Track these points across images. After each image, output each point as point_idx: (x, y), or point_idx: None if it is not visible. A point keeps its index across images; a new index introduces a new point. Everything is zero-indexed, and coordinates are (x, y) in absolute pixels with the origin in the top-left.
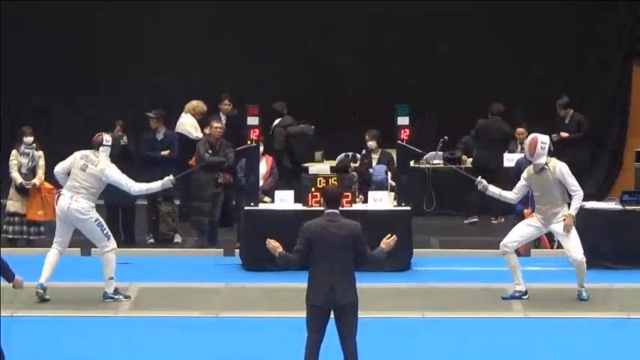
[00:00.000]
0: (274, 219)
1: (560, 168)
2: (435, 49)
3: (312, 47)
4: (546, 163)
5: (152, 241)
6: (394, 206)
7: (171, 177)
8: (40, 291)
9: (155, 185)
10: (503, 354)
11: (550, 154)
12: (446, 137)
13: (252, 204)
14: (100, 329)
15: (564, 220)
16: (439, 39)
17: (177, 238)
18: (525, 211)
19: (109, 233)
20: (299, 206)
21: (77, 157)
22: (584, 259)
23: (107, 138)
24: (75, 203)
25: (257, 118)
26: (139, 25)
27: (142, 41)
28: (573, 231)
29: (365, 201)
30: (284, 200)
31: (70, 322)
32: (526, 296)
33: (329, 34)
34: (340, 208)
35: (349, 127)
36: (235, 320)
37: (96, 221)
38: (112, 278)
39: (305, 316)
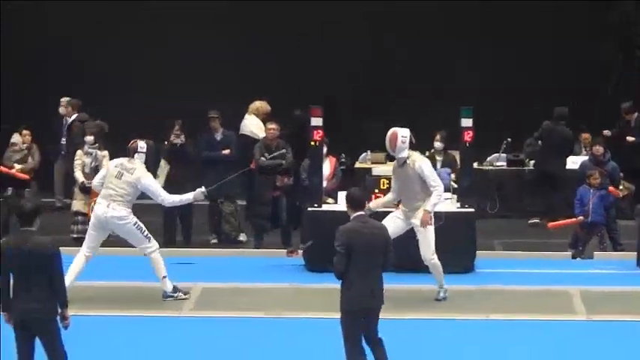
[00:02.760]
0: (337, 220)
1: (419, 164)
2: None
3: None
4: (408, 157)
5: (215, 241)
6: (457, 208)
7: (203, 189)
8: None
9: (187, 197)
10: (566, 356)
11: (613, 158)
12: (509, 139)
13: (315, 205)
14: (162, 329)
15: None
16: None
17: (242, 237)
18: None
19: (149, 234)
20: None
21: (112, 166)
22: (433, 259)
23: (142, 145)
24: (112, 211)
25: (320, 119)
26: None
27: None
28: (429, 229)
29: None
30: None
31: (133, 322)
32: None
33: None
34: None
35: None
36: (298, 321)
37: (135, 224)
38: (165, 277)
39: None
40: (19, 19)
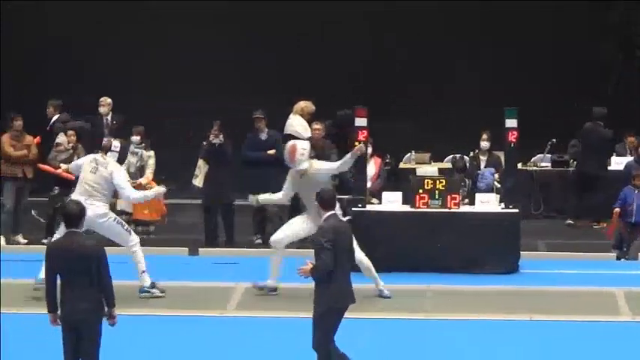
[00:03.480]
0: (381, 220)
1: (317, 167)
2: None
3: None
4: (309, 168)
5: (259, 241)
6: (501, 209)
7: (163, 187)
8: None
9: (150, 193)
10: (611, 357)
11: None
12: (554, 140)
13: (359, 205)
14: (205, 329)
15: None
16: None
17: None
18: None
19: (129, 228)
20: (407, 208)
21: (86, 161)
22: (364, 257)
23: (116, 144)
24: (92, 208)
25: (365, 119)
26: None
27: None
28: None
29: (472, 203)
30: (392, 201)
31: (176, 322)
32: (275, 292)
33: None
34: (447, 210)
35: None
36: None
37: (115, 220)
38: (144, 272)
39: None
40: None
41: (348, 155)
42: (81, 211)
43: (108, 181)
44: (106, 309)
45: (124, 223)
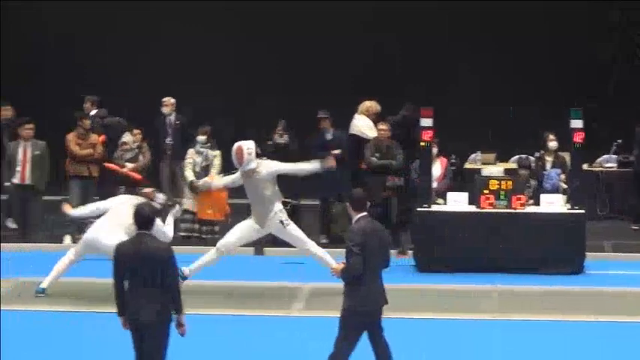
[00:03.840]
0: (447, 220)
1: (266, 167)
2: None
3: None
4: (256, 167)
5: (325, 241)
6: (567, 210)
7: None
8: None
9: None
10: None
11: None
12: (620, 140)
13: (425, 205)
14: (271, 328)
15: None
16: None
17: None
18: None
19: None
20: (472, 208)
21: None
22: (314, 246)
23: (160, 196)
24: None
25: (431, 119)
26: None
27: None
28: (291, 224)
29: (537, 204)
30: (457, 202)
31: (242, 321)
32: None
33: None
34: (512, 210)
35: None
36: (406, 321)
37: None
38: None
39: (345, 321)
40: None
41: (317, 164)
42: (153, 213)
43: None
44: (174, 315)
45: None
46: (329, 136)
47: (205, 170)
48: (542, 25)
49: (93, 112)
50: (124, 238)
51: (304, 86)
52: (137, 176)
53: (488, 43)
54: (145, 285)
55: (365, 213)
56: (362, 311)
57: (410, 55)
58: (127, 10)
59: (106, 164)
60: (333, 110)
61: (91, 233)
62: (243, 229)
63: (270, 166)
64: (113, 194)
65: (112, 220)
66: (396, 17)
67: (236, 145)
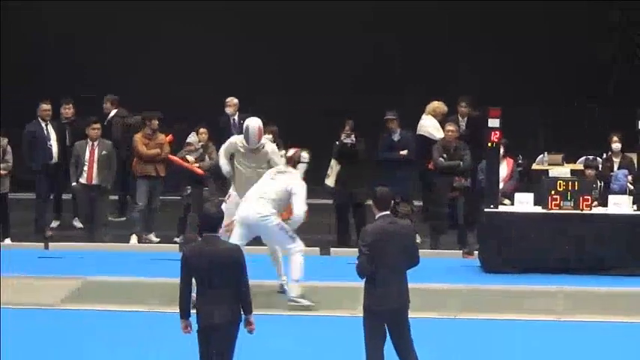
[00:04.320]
0: (513, 221)
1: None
2: None
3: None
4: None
5: None
6: (634, 210)
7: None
8: None
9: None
10: None
11: None
12: None
13: (491, 206)
14: (336, 329)
15: None
16: None
17: (417, 239)
18: None
19: (294, 235)
20: (538, 209)
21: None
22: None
23: (304, 155)
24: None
25: (498, 120)
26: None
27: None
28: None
29: (604, 205)
30: (524, 203)
31: (308, 322)
32: None
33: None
34: (579, 211)
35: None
36: (473, 322)
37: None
38: (297, 280)
39: (365, 323)
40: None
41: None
42: (219, 214)
43: (286, 190)
44: (243, 315)
45: (287, 228)
46: (396, 137)
47: None
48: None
49: (113, 112)
50: (273, 211)
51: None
52: (199, 171)
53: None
54: (217, 287)
55: (387, 212)
56: (377, 311)
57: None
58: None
59: (171, 157)
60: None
61: (243, 211)
62: (241, 231)
63: (274, 158)
64: (180, 194)
65: (258, 194)
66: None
67: (256, 121)
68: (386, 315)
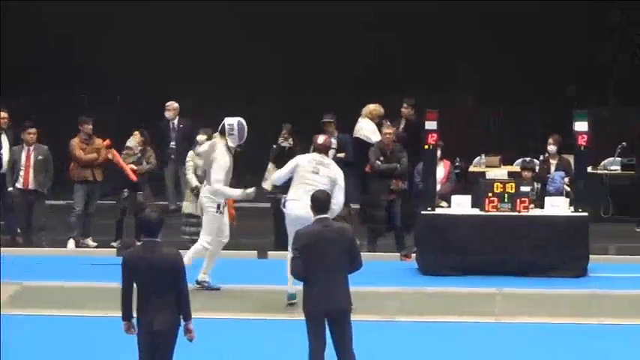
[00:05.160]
0: (451, 223)
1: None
2: None
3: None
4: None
5: None
6: (571, 212)
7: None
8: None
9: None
10: None
11: None
12: (624, 143)
13: (428, 208)
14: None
15: None
16: None
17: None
18: None
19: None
20: (476, 211)
21: (304, 161)
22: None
23: (333, 141)
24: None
25: (435, 122)
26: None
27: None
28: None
29: (541, 206)
30: (461, 205)
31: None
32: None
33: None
34: (516, 213)
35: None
36: (411, 324)
37: None
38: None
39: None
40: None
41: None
42: (160, 219)
43: (332, 181)
44: (182, 322)
45: None
46: (334, 140)
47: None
48: (542, 25)
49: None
50: None
51: (304, 86)
52: (133, 177)
53: (488, 43)
54: (157, 292)
55: (324, 215)
56: (315, 312)
57: (410, 55)
58: (127, 10)
59: (115, 153)
60: (333, 110)
61: (297, 210)
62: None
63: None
64: (117, 198)
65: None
66: (396, 17)
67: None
68: (323, 316)
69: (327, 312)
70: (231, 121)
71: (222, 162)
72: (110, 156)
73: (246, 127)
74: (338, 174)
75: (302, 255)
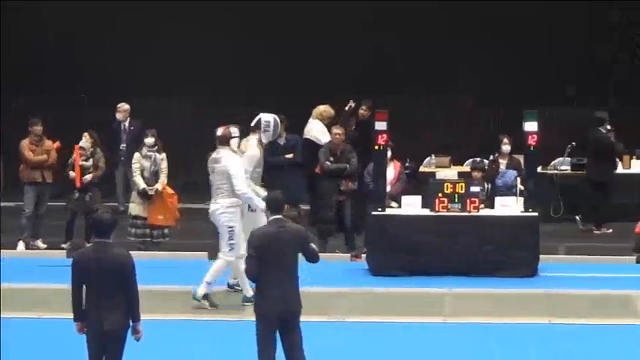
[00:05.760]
0: (401, 224)
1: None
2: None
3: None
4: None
5: None
6: (521, 212)
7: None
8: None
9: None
10: None
11: None
12: (574, 143)
13: (379, 209)
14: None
15: None
16: None
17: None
18: None
19: (234, 244)
20: (426, 211)
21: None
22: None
23: (234, 130)
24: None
25: (385, 123)
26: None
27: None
28: None
29: (492, 206)
30: (411, 205)
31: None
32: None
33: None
34: (466, 213)
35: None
36: (361, 325)
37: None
38: (209, 283)
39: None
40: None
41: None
42: (113, 220)
43: (226, 174)
44: (131, 322)
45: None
46: (282, 141)
47: (155, 176)
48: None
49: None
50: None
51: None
52: (77, 183)
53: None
54: (107, 293)
55: (279, 216)
56: (267, 313)
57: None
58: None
59: (77, 156)
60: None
61: None
62: None
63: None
64: (67, 199)
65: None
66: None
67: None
68: (275, 317)
69: (281, 314)
70: (267, 118)
71: (251, 153)
72: (74, 155)
73: (280, 124)
74: (229, 164)
75: (256, 256)
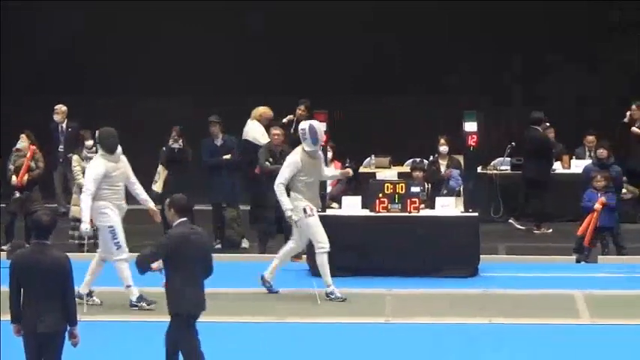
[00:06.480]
0: (341, 224)
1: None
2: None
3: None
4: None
5: (219, 246)
6: (461, 212)
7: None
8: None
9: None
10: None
11: None
12: (513, 143)
13: (319, 210)
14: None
15: None
16: None
17: (245, 244)
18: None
19: (120, 243)
20: (366, 212)
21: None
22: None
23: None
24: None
25: (324, 123)
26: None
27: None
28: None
29: (432, 207)
30: (351, 206)
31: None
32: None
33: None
34: (407, 214)
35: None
36: (300, 325)
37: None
38: (129, 286)
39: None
40: (20, 19)
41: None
42: (52, 221)
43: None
44: (68, 327)
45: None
46: (219, 142)
47: None
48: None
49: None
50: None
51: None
52: (19, 182)
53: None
54: (45, 295)
55: (185, 219)
56: (180, 315)
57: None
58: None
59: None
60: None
61: None
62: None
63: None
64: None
65: None
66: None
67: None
68: (192, 317)
69: (195, 313)
70: (303, 126)
71: (288, 161)
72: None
73: (318, 129)
74: (127, 167)
75: (159, 254)
